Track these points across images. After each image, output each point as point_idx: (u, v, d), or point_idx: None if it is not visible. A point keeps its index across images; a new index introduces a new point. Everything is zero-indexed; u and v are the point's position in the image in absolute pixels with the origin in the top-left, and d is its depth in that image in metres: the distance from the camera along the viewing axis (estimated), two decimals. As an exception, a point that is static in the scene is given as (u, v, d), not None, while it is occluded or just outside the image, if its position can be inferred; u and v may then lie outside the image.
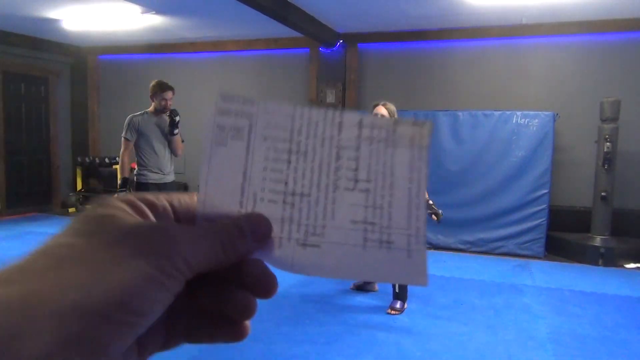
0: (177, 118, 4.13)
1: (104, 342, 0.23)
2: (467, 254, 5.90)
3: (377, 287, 4.35)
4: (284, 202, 0.31)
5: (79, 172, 8.69)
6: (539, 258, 5.74)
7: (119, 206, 0.28)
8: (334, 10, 5.84)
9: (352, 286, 4.36)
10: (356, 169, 0.31)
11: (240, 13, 5.69)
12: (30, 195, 8.27)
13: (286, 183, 0.31)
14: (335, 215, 0.31)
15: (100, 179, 8.83)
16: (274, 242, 0.31)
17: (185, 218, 0.30)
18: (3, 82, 7.71)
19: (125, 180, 4.19)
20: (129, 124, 4.16)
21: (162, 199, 0.30)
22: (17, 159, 8.05)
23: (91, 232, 0.26)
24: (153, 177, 4.19)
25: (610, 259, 5.42)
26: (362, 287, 4.33)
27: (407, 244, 0.31)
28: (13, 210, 7.85)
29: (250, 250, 0.30)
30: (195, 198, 0.31)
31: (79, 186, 8.71)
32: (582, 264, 5.47)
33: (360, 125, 0.31)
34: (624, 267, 5.37)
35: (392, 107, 3.96)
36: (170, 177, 4.34)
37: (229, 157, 0.31)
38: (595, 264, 5.43)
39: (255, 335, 3.29)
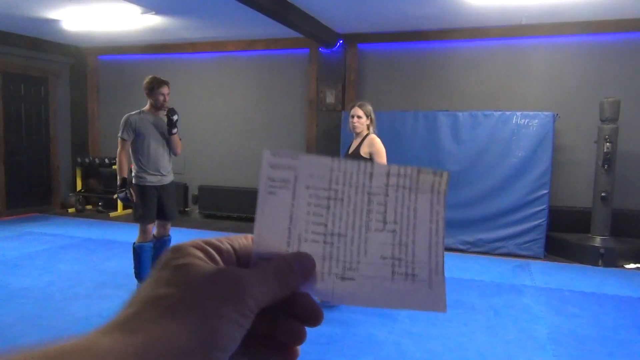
0: (175, 117, 4.04)
1: None
2: (467, 255, 5.90)
3: None
4: (324, 242, 0.36)
5: (78, 172, 8.69)
6: (538, 258, 5.74)
7: (193, 253, 0.33)
8: (334, 10, 5.84)
9: (318, 299, 4.27)
10: (385, 212, 0.36)
11: (240, 13, 5.69)
12: (30, 196, 8.27)
13: (326, 225, 0.36)
14: (368, 252, 0.36)
15: (100, 180, 8.83)
16: (317, 277, 0.36)
17: (243, 256, 0.36)
18: (3, 83, 7.71)
19: (124, 181, 4.06)
20: (125, 124, 4.01)
21: (225, 243, 0.35)
22: (17, 160, 8.05)
23: (178, 282, 0.31)
24: (152, 180, 4.07)
25: (610, 259, 5.42)
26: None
27: (429, 276, 0.36)
28: (13, 210, 7.85)
29: (299, 285, 0.35)
30: (251, 240, 0.36)
31: (79, 186, 8.71)
32: (581, 265, 5.47)
33: (388, 174, 0.37)
34: (624, 268, 5.37)
35: (368, 108, 3.95)
36: (169, 178, 4.23)
37: (278, 204, 0.36)
38: (595, 264, 5.43)
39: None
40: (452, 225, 6.07)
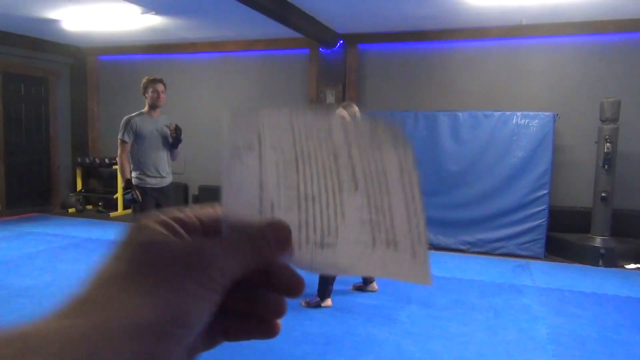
0: (181, 137, 4.18)
1: (164, 355, 0.27)
2: (467, 255, 5.90)
3: (376, 286, 4.34)
4: (299, 207, 0.33)
5: (78, 172, 8.69)
6: (539, 258, 5.74)
7: (155, 229, 0.31)
8: (334, 10, 5.84)
9: (351, 287, 4.36)
10: (353, 172, 0.33)
11: (240, 13, 5.69)
12: (30, 196, 8.26)
13: (298, 189, 0.33)
14: (345, 215, 0.33)
15: (100, 180, 8.83)
16: (295, 245, 0.33)
17: (212, 229, 0.33)
18: (3, 83, 7.71)
19: (128, 182, 4.07)
20: (126, 125, 4.06)
21: (190, 215, 0.33)
22: (17, 160, 8.05)
23: (137, 259, 0.29)
24: (151, 182, 4.11)
25: (610, 259, 5.42)
26: (362, 288, 4.32)
27: (411, 246, 0.33)
28: (13, 210, 7.85)
29: (275, 255, 0.32)
30: (219, 209, 0.33)
31: (79, 186, 8.72)
32: (582, 265, 5.47)
33: (344, 128, 0.33)
34: (624, 268, 5.37)
35: (354, 109, 3.90)
36: (169, 179, 4.26)
37: (245, 169, 0.33)
38: (595, 264, 5.43)
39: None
40: (452, 225, 6.07)
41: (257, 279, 0.33)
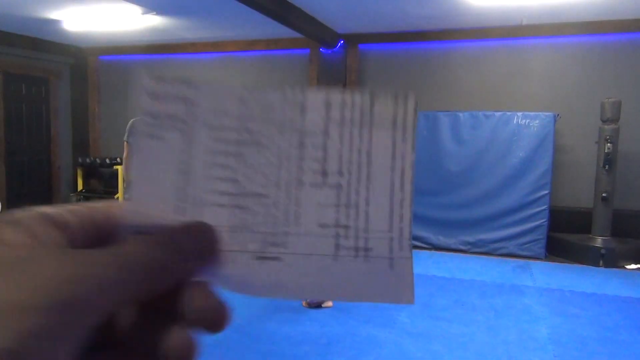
0: None
1: None
2: (468, 255, 5.90)
3: (331, 302, 3.85)
4: (235, 205, 0.25)
5: (79, 172, 8.70)
6: (539, 259, 5.73)
7: (5, 237, 0.22)
8: (335, 10, 5.84)
9: (304, 303, 3.84)
10: (324, 160, 0.26)
11: (241, 14, 5.69)
12: (30, 196, 8.26)
13: (237, 181, 0.25)
14: (300, 218, 0.26)
15: (100, 180, 8.83)
16: (223, 257, 0.25)
17: (107, 232, 0.24)
18: (4, 83, 7.71)
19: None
20: (130, 128, 4.29)
21: (78, 214, 0.24)
22: (18, 160, 8.05)
23: None
24: None
25: (610, 259, 5.41)
26: (317, 304, 3.86)
27: (389, 250, 0.26)
28: (13, 210, 7.84)
29: (190, 271, 0.23)
30: (121, 207, 0.25)
31: (80, 186, 8.72)
32: (582, 265, 5.46)
33: (327, 105, 0.26)
34: (625, 268, 5.37)
35: None
36: None
37: (163, 152, 0.25)
38: (596, 264, 5.42)
39: (256, 336, 3.29)
40: (452, 225, 6.07)
41: (159, 305, 0.23)
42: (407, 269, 0.26)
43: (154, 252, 0.22)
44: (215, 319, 0.23)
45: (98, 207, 0.25)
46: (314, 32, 6.24)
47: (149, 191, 0.25)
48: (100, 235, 0.24)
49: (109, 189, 8.58)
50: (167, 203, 0.25)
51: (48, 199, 8.57)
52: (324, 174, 0.26)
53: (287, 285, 0.26)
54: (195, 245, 0.23)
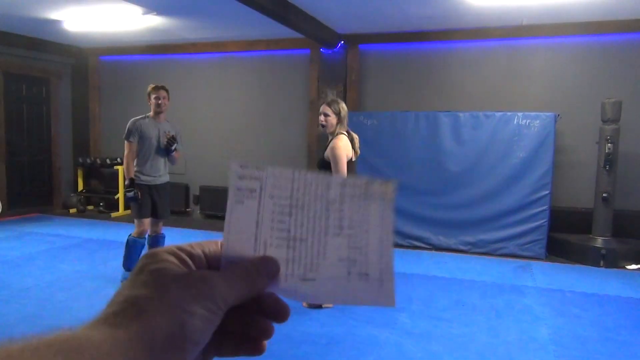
0: (174, 146, 4.40)
1: None
2: (468, 255, 5.90)
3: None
4: (288, 246, 0.39)
5: (80, 172, 8.70)
6: (540, 259, 5.73)
7: (166, 258, 0.36)
8: (335, 11, 5.84)
9: (304, 303, 3.73)
10: (341, 219, 0.40)
11: (241, 14, 5.69)
12: (31, 196, 8.27)
13: (289, 231, 0.39)
14: (327, 255, 0.39)
15: (101, 180, 8.84)
16: (281, 278, 0.39)
17: (213, 261, 0.39)
18: (4, 83, 7.72)
19: (132, 181, 4.34)
20: (131, 127, 4.35)
21: (196, 248, 0.39)
22: (18, 160, 8.06)
23: (154, 284, 0.34)
24: (146, 179, 4.40)
25: (611, 260, 5.41)
26: (318, 305, 3.81)
27: (380, 275, 0.39)
28: (14, 210, 7.85)
29: (265, 286, 0.39)
30: (220, 245, 0.40)
31: (80, 187, 8.72)
32: (583, 265, 5.46)
33: (343, 185, 0.40)
34: (625, 268, 5.37)
35: (338, 106, 3.78)
36: (164, 179, 4.53)
37: (245, 212, 0.39)
38: (597, 265, 5.42)
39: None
40: (453, 225, 6.07)
41: (250, 305, 0.39)
42: (390, 285, 0.40)
43: (246, 274, 0.38)
44: (282, 313, 0.40)
45: (209, 243, 0.40)
46: (315, 32, 6.24)
47: (236, 236, 0.39)
48: (210, 263, 0.39)
49: (109, 189, 8.58)
50: (247, 244, 0.39)
51: (48, 199, 8.58)
52: (341, 227, 0.40)
53: (319, 296, 0.41)
54: (267, 270, 0.39)
